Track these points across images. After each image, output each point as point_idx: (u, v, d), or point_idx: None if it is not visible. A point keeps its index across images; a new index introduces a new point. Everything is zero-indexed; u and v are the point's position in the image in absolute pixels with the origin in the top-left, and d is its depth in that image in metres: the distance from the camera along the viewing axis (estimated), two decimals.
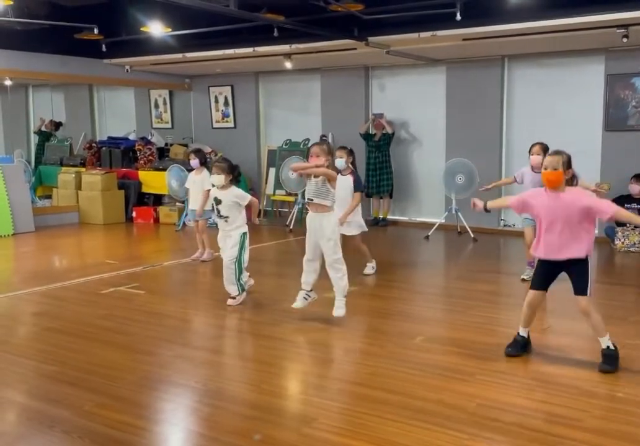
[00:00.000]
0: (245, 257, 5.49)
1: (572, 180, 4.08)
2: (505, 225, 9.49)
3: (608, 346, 4.02)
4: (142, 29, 8.22)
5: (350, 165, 6.44)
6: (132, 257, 7.63)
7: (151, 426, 3.31)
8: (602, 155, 8.57)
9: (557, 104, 8.98)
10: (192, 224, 7.58)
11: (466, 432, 3.13)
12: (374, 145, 10.05)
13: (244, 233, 5.47)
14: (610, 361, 3.98)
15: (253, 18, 7.45)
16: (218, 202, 5.42)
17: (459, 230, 9.19)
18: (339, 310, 4.89)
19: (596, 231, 8.65)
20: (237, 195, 5.46)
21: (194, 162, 7.37)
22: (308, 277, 5.01)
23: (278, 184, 10.51)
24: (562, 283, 6.34)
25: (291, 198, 10.40)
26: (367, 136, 10.12)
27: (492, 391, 3.64)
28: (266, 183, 11.18)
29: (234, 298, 5.47)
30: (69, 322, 5.06)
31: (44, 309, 5.47)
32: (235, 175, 5.55)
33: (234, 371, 4.12)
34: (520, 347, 4.23)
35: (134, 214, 10.60)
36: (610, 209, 3.91)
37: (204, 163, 7.48)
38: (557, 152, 4.04)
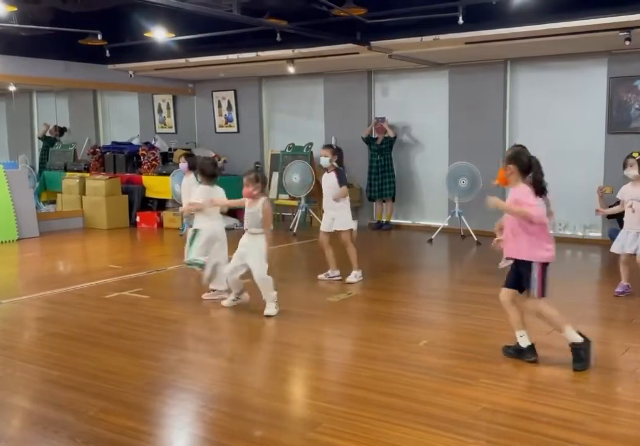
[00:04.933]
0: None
1: (526, 175, 4.11)
2: None
3: (573, 342, 4.00)
4: (145, 34, 8.25)
5: (334, 164, 6.51)
6: (136, 262, 7.65)
7: (156, 431, 3.32)
8: (605, 158, 8.57)
9: (560, 106, 8.98)
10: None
11: (470, 436, 3.13)
12: (376, 148, 10.06)
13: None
14: (578, 358, 3.96)
15: (256, 23, 7.47)
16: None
17: (462, 233, 9.18)
18: (269, 309, 5.23)
19: (598, 233, 8.64)
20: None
21: (183, 165, 7.22)
22: (233, 283, 5.42)
23: (281, 188, 10.52)
24: (564, 287, 6.34)
25: (294, 203, 10.40)
26: (369, 140, 10.13)
27: (496, 395, 3.64)
28: (269, 187, 11.17)
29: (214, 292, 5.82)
30: (73, 326, 5.07)
31: (48, 314, 5.49)
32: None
33: (238, 375, 4.12)
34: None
35: (137, 219, 10.62)
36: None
37: (193, 167, 7.34)
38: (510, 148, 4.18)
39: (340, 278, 6.51)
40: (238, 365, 4.36)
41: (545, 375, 3.92)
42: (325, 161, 6.50)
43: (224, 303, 5.54)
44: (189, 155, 7.45)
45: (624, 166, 5.79)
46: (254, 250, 5.24)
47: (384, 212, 10.30)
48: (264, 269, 5.26)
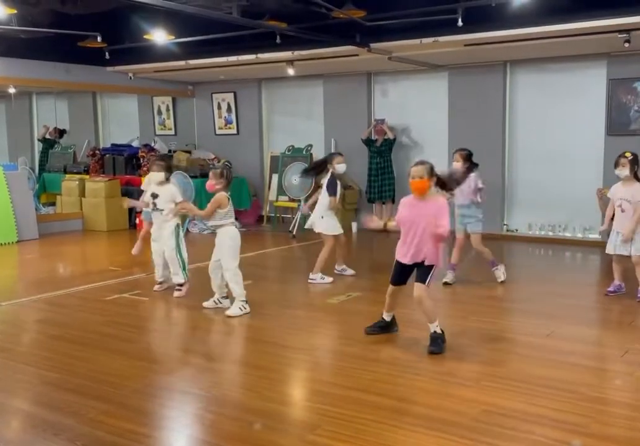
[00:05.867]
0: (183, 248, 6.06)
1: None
2: (508, 230, 9.48)
3: (435, 331, 4.42)
4: (145, 36, 8.26)
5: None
6: (135, 264, 7.64)
7: (155, 433, 3.32)
8: (605, 160, 8.55)
9: (560, 108, 8.99)
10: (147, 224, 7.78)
11: (469, 438, 3.12)
12: (375, 150, 10.07)
13: (177, 225, 6.06)
14: (436, 343, 4.37)
15: (256, 25, 7.48)
16: (155, 196, 6.02)
17: None
18: (232, 309, 5.32)
19: (598, 235, 8.59)
20: (173, 193, 6.05)
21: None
22: (215, 282, 5.51)
23: (281, 190, 10.53)
24: (563, 289, 6.34)
25: (294, 204, 10.41)
26: (368, 142, 10.13)
27: (495, 397, 3.63)
28: (269, 189, 11.19)
29: (180, 289, 5.99)
30: (72, 329, 5.07)
31: (48, 316, 5.48)
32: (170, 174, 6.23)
33: (237, 378, 4.12)
34: (380, 328, 4.78)
35: (137, 221, 10.60)
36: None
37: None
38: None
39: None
40: (237, 367, 4.36)
41: (544, 378, 3.91)
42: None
43: (205, 304, 5.57)
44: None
45: (616, 165, 5.78)
46: (221, 243, 5.35)
47: (383, 214, 10.30)
48: (233, 262, 5.33)
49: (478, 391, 3.71)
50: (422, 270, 4.44)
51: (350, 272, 6.82)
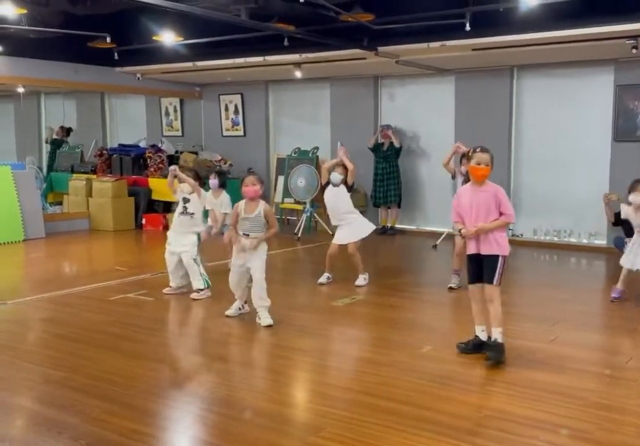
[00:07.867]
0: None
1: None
2: (513, 235, 9.47)
3: (495, 339, 4.25)
4: (153, 37, 8.31)
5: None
6: (141, 264, 7.67)
7: (159, 433, 3.32)
8: (611, 166, 8.55)
9: (566, 114, 8.98)
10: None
11: (473, 443, 3.12)
12: (382, 155, 10.07)
13: (198, 234, 6.14)
14: (496, 350, 4.22)
15: (264, 27, 7.50)
16: (187, 200, 6.10)
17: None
18: (267, 319, 5.13)
19: (603, 241, 8.58)
20: (201, 202, 6.21)
21: (213, 181, 7.04)
22: (242, 296, 5.40)
23: (287, 192, 10.54)
24: (568, 294, 6.33)
25: (299, 207, 10.42)
26: (375, 148, 10.13)
27: (499, 401, 3.63)
28: (275, 191, 11.20)
29: (198, 292, 5.98)
30: (77, 328, 5.09)
31: (53, 315, 5.50)
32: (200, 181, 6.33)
33: (242, 379, 4.12)
34: (474, 346, 4.41)
35: (143, 221, 10.64)
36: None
37: (223, 185, 7.13)
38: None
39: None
40: (241, 369, 4.36)
41: (549, 383, 3.91)
42: (338, 178, 6.45)
43: (228, 312, 5.42)
44: (220, 173, 7.27)
45: (632, 190, 5.63)
46: (256, 255, 5.13)
47: (389, 217, 10.31)
48: (264, 275, 5.18)
49: (482, 396, 3.71)
50: (488, 266, 4.24)
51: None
